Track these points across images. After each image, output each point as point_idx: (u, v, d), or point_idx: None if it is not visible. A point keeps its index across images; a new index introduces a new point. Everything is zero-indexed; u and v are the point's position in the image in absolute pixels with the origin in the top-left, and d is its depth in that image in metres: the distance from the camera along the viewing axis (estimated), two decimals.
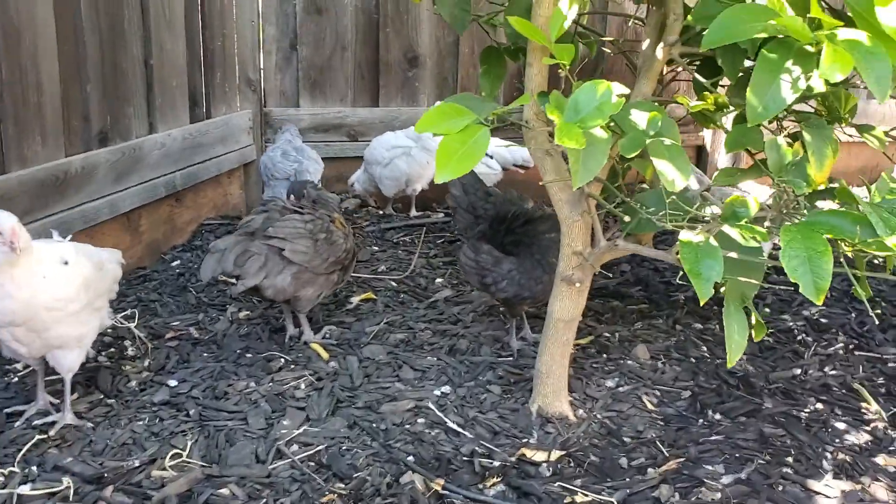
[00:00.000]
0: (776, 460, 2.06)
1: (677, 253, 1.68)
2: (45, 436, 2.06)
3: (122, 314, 2.76)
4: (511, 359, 2.58)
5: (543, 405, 2.24)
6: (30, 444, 2.01)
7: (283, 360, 2.52)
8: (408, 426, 2.17)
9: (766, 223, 1.82)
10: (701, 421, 2.26)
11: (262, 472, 1.93)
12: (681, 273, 1.66)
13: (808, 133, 1.81)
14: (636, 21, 2.51)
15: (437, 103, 4.22)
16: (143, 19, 3.28)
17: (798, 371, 2.55)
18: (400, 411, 2.23)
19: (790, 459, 2.07)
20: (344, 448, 2.05)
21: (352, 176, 4.21)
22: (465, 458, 2.03)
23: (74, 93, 2.91)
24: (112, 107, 3.13)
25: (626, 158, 1.76)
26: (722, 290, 1.84)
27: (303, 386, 2.36)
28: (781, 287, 1.97)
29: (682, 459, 2.05)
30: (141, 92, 3.31)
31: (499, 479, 1.96)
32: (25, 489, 1.86)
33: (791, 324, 2.91)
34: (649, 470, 2.02)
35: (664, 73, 2.52)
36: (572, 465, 2.04)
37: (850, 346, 2.76)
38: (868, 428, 2.25)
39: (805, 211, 1.86)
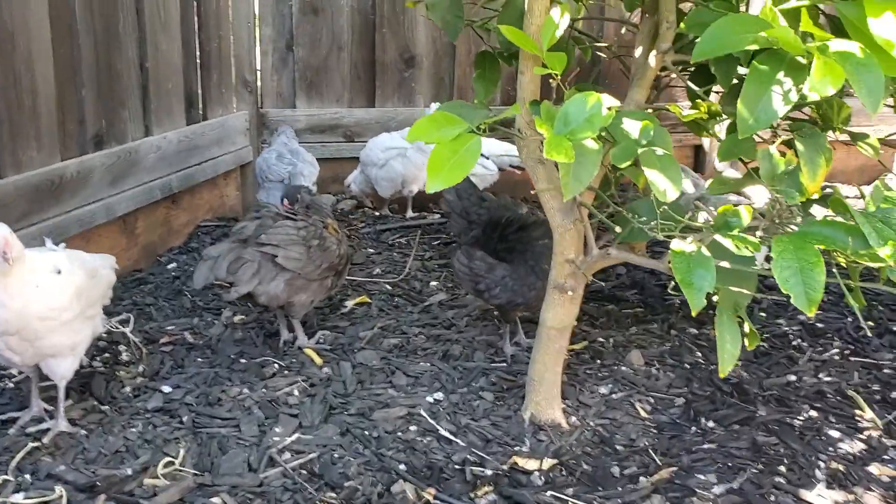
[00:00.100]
0: (769, 469, 2.06)
1: (670, 262, 1.68)
2: (39, 443, 2.05)
3: (118, 318, 2.76)
4: (504, 364, 2.58)
5: (536, 412, 2.24)
6: (23, 451, 2.01)
7: (276, 365, 2.52)
8: (400, 434, 2.17)
9: (759, 232, 1.82)
10: (694, 429, 2.26)
11: (254, 481, 1.93)
12: (673, 283, 1.66)
13: (800, 143, 1.80)
14: (630, 27, 2.50)
15: (432, 105, 4.23)
16: (139, 21, 3.27)
17: (793, 377, 2.55)
18: (392, 418, 2.23)
19: (783, 468, 2.06)
20: (336, 456, 2.05)
21: (348, 177, 4.21)
22: (456, 467, 2.03)
23: (69, 96, 2.91)
24: (107, 110, 3.12)
25: (618, 167, 1.76)
26: (715, 298, 1.83)
27: (296, 392, 2.36)
28: (776, 291, 1.97)
29: (674, 469, 2.05)
30: (136, 94, 3.31)
31: (490, 488, 1.95)
32: (19, 498, 1.85)
33: (786, 328, 2.90)
34: (641, 479, 2.01)
35: (661, 77, 2.51)
36: (564, 473, 2.04)
37: (846, 352, 2.75)
38: (862, 436, 2.24)
39: (799, 219, 1.86)
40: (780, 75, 1.51)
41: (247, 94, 4.13)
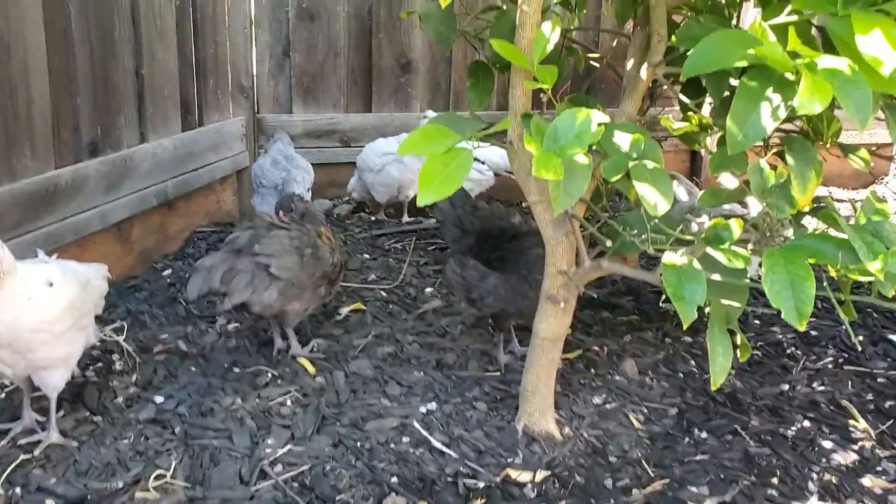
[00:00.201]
0: (761, 481, 2.06)
1: (661, 274, 1.68)
2: (30, 455, 2.06)
3: (112, 326, 2.76)
4: (498, 374, 2.58)
5: (529, 423, 2.24)
6: (14, 464, 2.01)
7: (270, 374, 2.52)
8: (393, 445, 2.17)
9: (750, 245, 1.82)
10: (687, 439, 2.26)
11: (245, 494, 1.94)
12: (664, 297, 1.66)
13: (791, 156, 1.80)
14: (624, 37, 2.50)
15: (428, 112, 4.22)
16: (135, 29, 3.27)
17: (786, 387, 2.55)
18: (385, 429, 2.23)
19: (775, 480, 2.07)
20: (328, 468, 2.05)
21: (350, 182, 4.20)
22: (449, 479, 2.03)
23: (65, 104, 2.90)
24: (103, 118, 3.12)
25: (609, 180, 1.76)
26: (707, 310, 1.83)
27: (289, 402, 2.36)
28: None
29: (666, 481, 2.05)
30: (132, 102, 3.31)
31: (483, 501, 1.96)
32: None
33: (780, 337, 2.90)
34: (634, 491, 2.02)
35: (657, 85, 2.51)
36: (557, 485, 2.04)
37: (840, 360, 2.75)
38: (855, 447, 2.24)
39: (791, 231, 1.86)
40: (769, 91, 1.51)
41: (243, 99, 4.13)
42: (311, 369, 2.56)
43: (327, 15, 4.23)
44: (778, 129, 1.87)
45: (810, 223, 2.03)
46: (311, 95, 4.33)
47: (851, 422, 2.38)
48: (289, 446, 2.14)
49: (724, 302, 1.84)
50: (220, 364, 2.59)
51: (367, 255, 3.68)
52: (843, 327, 2.96)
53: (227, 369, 2.56)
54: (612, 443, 2.23)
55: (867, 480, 2.09)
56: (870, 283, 1.81)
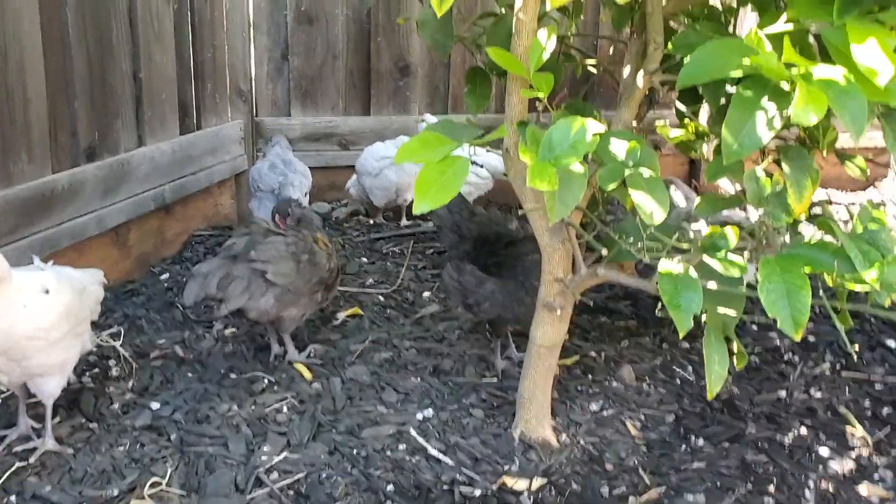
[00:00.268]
0: (757, 489, 2.06)
1: (658, 283, 1.67)
2: (26, 463, 2.05)
3: (109, 331, 2.76)
4: (495, 380, 2.58)
5: (526, 430, 2.23)
6: (9, 471, 2.01)
7: (266, 380, 2.52)
8: (389, 452, 2.16)
9: (746, 254, 1.81)
10: (684, 447, 2.26)
11: (241, 503, 1.93)
12: (660, 305, 1.66)
13: (786, 164, 1.79)
14: (621, 43, 2.50)
15: (426, 115, 4.21)
16: (132, 32, 3.26)
17: (783, 393, 2.54)
18: (381, 436, 2.23)
19: (772, 489, 2.06)
20: (323, 476, 2.05)
21: (348, 182, 4.19)
22: (445, 487, 2.03)
23: (62, 109, 2.90)
24: (100, 121, 3.12)
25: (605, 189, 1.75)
26: (703, 318, 1.83)
27: (285, 409, 2.36)
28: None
29: (663, 488, 2.05)
30: (130, 105, 3.30)
31: None
32: None
33: (778, 342, 2.89)
34: (630, 499, 2.01)
35: (656, 91, 2.50)
36: (553, 493, 2.04)
37: (837, 366, 2.74)
38: (852, 454, 2.24)
39: (788, 236, 1.85)
40: (765, 101, 1.51)
41: (241, 103, 4.12)
42: (308, 375, 2.56)
43: (326, 18, 4.22)
44: (776, 137, 1.87)
45: (808, 230, 2.03)
46: (310, 98, 4.32)
47: (849, 429, 2.37)
48: (284, 454, 2.14)
49: (721, 310, 1.84)
50: (217, 370, 2.59)
51: (365, 259, 3.67)
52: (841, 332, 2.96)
53: (223, 375, 2.56)
54: (609, 450, 2.23)
55: (864, 489, 2.09)
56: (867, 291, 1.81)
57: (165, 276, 3.39)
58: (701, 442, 2.28)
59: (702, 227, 2.43)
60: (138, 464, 2.08)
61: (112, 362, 2.61)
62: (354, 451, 2.16)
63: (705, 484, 2.07)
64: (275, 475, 2.05)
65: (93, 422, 2.27)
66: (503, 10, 2.27)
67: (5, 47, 2.59)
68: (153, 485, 1.99)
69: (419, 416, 2.35)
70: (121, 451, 2.13)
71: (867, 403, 2.52)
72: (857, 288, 1.62)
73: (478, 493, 2.01)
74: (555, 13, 2.40)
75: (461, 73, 4.43)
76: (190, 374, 2.56)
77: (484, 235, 2.65)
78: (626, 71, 2.08)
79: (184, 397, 2.41)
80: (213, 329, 2.88)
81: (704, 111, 2.22)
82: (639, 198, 1.70)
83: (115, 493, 1.96)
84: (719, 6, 2.23)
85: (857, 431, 2.35)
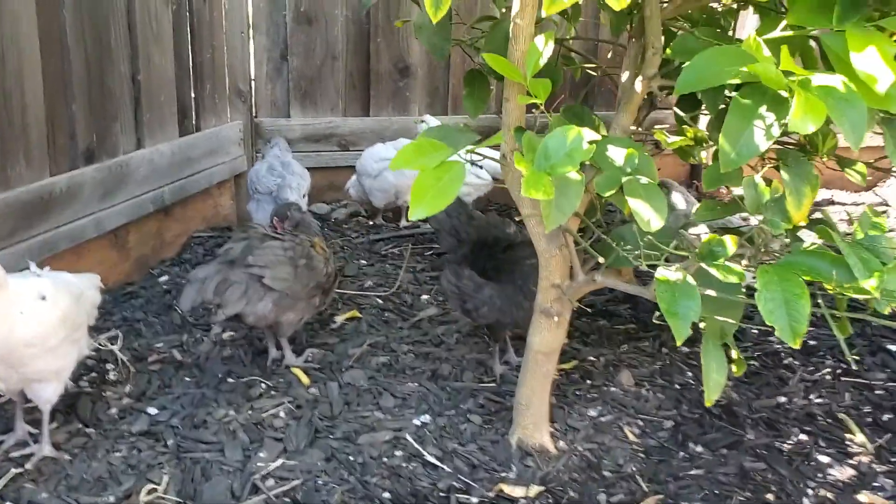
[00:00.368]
0: (756, 497, 2.04)
1: (655, 290, 1.66)
2: (22, 469, 2.05)
3: (107, 335, 2.75)
4: (493, 385, 2.57)
5: (523, 437, 2.22)
6: (6, 477, 2.00)
7: (263, 385, 2.51)
8: (385, 459, 2.15)
9: (744, 261, 1.80)
10: (682, 453, 2.24)
11: None
12: (658, 313, 1.64)
13: (785, 172, 1.78)
14: (620, 46, 2.48)
15: (426, 116, 4.19)
16: (130, 34, 3.25)
17: (783, 399, 2.53)
18: (378, 443, 2.22)
19: (770, 496, 2.05)
20: (320, 483, 2.04)
21: (348, 182, 4.18)
22: (441, 494, 2.02)
23: (60, 111, 2.89)
24: (98, 124, 3.11)
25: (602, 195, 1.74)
26: (702, 325, 1.82)
27: (282, 414, 2.35)
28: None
29: (660, 496, 2.03)
30: (128, 107, 3.29)
31: None
32: None
33: (778, 346, 2.88)
34: None
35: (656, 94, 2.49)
36: (551, 500, 2.02)
37: (838, 371, 2.73)
38: (852, 461, 2.23)
39: (787, 241, 1.84)
40: (763, 109, 1.49)
41: (241, 104, 4.11)
42: (306, 380, 2.55)
43: (325, 19, 4.21)
44: (775, 143, 1.85)
45: (808, 236, 2.01)
46: (309, 99, 4.31)
47: (848, 435, 2.36)
48: (281, 460, 2.13)
49: (719, 318, 1.82)
50: (215, 374, 2.58)
51: (363, 261, 3.66)
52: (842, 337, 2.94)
53: (221, 380, 2.55)
54: (607, 457, 2.22)
55: (863, 497, 2.07)
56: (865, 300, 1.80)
57: (164, 278, 3.39)
58: (699, 448, 2.27)
59: (701, 232, 2.42)
60: (135, 470, 2.08)
61: (110, 366, 2.60)
62: (351, 458, 2.15)
63: (703, 492, 2.06)
64: (271, 482, 2.04)
65: (90, 427, 2.26)
66: (503, 11, 2.25)
67: (3, 50, 2.58)
68: (149, 492, 1.98)
69: (416, 421, 2.34)
70: (117, 457, 2.13)
71: (867, 409, 2.50)
72: (857, 297, 1.60)
73: (475, 500, 2.00)
74: (553, 16, 2.39)
75: (461, 74, 4.41)
76: (187, 379, 2.56)
77: (482, 239, 2.64)
78: (625, 76, 2.07)
79: (181, 402, 2.40)
80: (212, 332, 2.87)
81: (704, 115, 2.21)
82: (636, 205, 1.68)
83: (112, 499, 1.95)
84: (719, 9, 2.21)
85: (857, 438, 2.34)
